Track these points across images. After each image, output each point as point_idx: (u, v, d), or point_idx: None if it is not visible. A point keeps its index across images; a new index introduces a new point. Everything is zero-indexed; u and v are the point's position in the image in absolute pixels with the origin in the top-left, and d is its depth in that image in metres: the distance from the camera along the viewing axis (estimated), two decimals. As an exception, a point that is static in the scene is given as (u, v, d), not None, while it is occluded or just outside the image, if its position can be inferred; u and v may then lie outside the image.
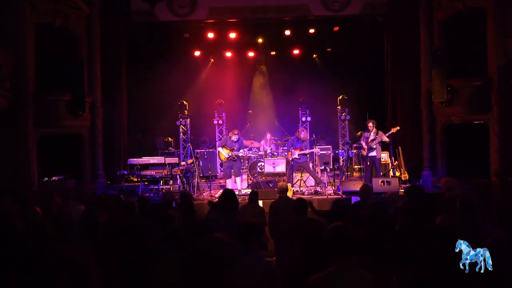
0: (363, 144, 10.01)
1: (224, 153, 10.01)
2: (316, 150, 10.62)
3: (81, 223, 4.38)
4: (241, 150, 10.10)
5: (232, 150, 9.94)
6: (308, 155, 10.26)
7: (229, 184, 10.05)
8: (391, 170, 10.90)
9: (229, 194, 5.25)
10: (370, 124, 9.97)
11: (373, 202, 4.59)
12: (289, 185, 9.22)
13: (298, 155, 10.05)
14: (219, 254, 2.99)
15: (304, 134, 10.22)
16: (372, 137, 9.89)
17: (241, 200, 7.66)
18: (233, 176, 10.26)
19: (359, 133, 13.14)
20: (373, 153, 9.91)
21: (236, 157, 9.98)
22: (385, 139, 9.82)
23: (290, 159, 10.15)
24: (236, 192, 9.18)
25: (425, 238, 3.65)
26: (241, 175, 10.40)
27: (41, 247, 3.29)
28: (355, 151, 12.37)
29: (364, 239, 3.49)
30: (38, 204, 4.84)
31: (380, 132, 9.91)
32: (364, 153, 9.99)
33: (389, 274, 3.42)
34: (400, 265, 3.48)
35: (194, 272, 3.15)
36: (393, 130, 9.88)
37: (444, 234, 3.47)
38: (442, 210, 4.94)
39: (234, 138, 10.03)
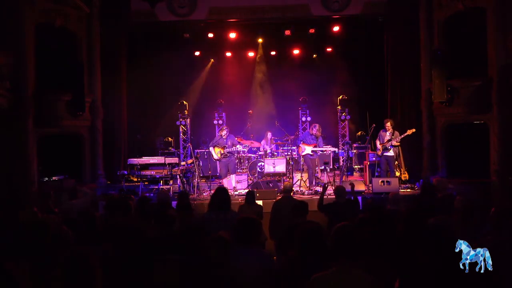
0: (378, 144, 9.98)
1: (215, 152, 9.94)
2: (332, 148, 10.56)
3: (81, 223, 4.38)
4: (236, 146, 9.94)
5: (224, 147, 9.87)
6: (319, 152, 10.25)
7: (226, 183, 9.97)
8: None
9: (220, 192, 5.22)
10: (388, 124, 9.89)
11: (371, 201, 4.57)
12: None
13: (312, 151, 10.01)
14: (218, 254, 2.98)
15: (316, 130, 10.07)
16: (388, 137, 9.86)
17: (239, 200, 7.63)
18: (229, 175, 10.16)
19: (359, 133, 13.18)
20: (390, 153, 9.88)
21: (228, 154, 9.88)
22: (397, 143, 9.81)
23: (302, 154, 10.10)
24: (231, 192, 9.24)
25: (425, 241, 3.63)
26: (235, 173, 10.28)
27: (40, 247, 3.29)
28: (355, 151, 12.37)
29: (370, 240, 3.47)
30: (37, 204, 4.84)
31: (396, 133, 9.86)
32: (379, 153, 9.96)
33: (390, 276, 3.40)
34: (402, 269, 3.46)
35: (193, 273, 3.15)
36: (409, 132, 9.75)
37: (437, 233, 3.45)
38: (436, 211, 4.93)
39: (223, 133, 9.95)
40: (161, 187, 10.20)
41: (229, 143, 9.88)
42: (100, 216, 4.92)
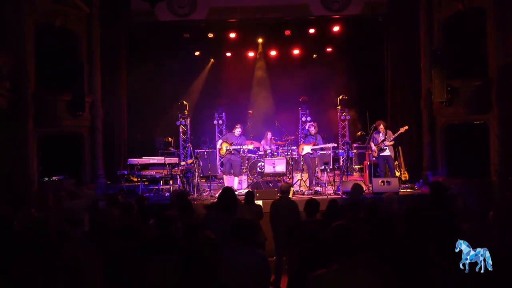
0: (372, 146, 9.98)
1: (223, 147, 9.95)
2: (332, 144, 10.55)
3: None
4: (242, 146, 9.92)
5: (231, 144, 9.87)
6: (319, 151, 10.27)
7: (226, 180, 9.97)
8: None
9: (228, 192, 5.23)
10: (381, 126, 9.90)
11: (371, 201, 4.57)
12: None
13: (311, 150, 10.02)
14: (210, 253, 2.97)
15: (313, 128, 10.15)
16: (381, 138, 9.87)
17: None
18: (232, 175, 10.15)
19: (359, 133, 13.18)
20: (386, 153, 9.85)
21: (233, 151, 9.86)
22: (390, 143, 9.78)
23: (302, 154, 10.15)
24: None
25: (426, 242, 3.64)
26: (240, 175, 10.30)
27: (40, 247, 3.29)
28: (355, 151, 12.37)
29: (369, 238, 3.47)
30: (35, 204, 4.84)
31: (389, 132, 9.85)
32: (375, 154, 9.96)
33: (389, 275, 3.40)
34: (401, 268, 3.46)
35: (188, 273, 3.14)
36: (402, 130, 9.75)
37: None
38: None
39: (237, 131, 9.95)
40: (162, 187, 10.21)
41: (238, 142, 9.89)
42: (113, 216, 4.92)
